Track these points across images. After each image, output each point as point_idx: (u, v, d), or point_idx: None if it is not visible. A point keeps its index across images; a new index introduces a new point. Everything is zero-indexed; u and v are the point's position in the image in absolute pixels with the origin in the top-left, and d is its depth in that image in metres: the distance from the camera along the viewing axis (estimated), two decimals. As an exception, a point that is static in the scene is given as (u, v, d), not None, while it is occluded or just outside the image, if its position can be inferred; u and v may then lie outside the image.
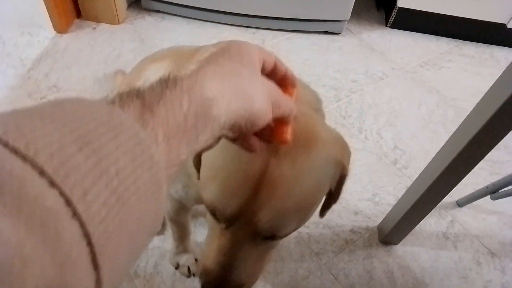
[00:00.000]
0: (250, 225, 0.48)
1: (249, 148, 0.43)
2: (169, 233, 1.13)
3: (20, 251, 0.18)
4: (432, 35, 1.98)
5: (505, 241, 1.23)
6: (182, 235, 1.01)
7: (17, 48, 1.61)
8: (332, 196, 0.58)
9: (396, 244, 1.20)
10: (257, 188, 0.46)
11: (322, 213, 0.64)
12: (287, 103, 0.40)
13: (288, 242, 1.16)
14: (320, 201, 0.54)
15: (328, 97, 1.60)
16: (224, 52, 0.36)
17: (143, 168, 0.25)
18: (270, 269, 1.11)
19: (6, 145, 0.20)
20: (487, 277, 1.15)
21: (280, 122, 0.42)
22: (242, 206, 0.47)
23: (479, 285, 1.13)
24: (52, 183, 0.20)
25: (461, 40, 1.97)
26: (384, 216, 1.21)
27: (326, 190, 0.53)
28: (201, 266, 0.56)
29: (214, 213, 0.50)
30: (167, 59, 0.78)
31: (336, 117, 1.52)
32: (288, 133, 0.43)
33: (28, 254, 0.18)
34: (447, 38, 1.98)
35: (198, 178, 0.56)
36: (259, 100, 0.35)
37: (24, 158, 0.20)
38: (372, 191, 1.32)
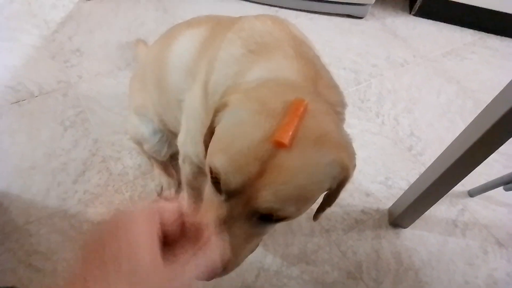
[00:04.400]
0: (249, 202, 0.50)
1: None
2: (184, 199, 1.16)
3: None
4: (456, 26, 1.95)
5: (513, 233, 1.24)
6: (196, 201, 1.04)
7: (42, 10, 1.63)
8: (329, 197, 0.59)
9: (405, 227, 1.22)
10: (264, 168, 0.48)
11: (316, 215, 0.66)
12: None
13: (299, 217, 1.18)
14: (319, 196, 0.55)
15: (347, 80, 1.60)
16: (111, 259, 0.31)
17: None
18: (280, 241, 1.13)
19: None
20: (492, 265, 1.16)
21: None
22: (246, 182, 0.49)
23: (484, 272, 1.15)
24: None
25: (486, 33, 1.94)
26: (395, 199, 1.22)
27: (326, 187, 0.55)
28: None
29: (217, 183, 0.52)
30: (204, 25, 0.78)
31: (354, 100, 1.52)
32: None
33: None
34: (472, 29, 1.95)
35: (205, 156, 0.58)
36: None
37: None
38: (385, 174, 1.33)
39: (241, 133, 0.50)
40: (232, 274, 1.09)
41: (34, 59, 1.45)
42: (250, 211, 0.52)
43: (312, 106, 0.51)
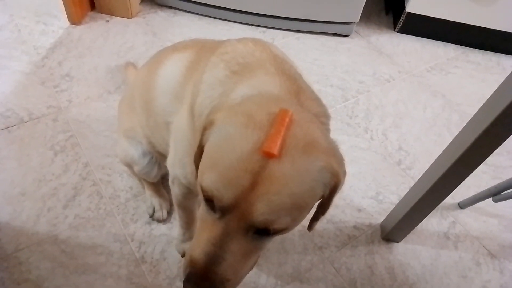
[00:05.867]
0: (244, 217, 0.50)
1: None
2: (176, 221, 1.16)
3: None
4: (439, 41, 2.01)
5: (504, 244, 1.25)
6: (188, 222, 1.04)
7: (32, 36, 1.64)
8: (322, 206, 0.60)
9: (398, 241, 1.22)
10: (255, 181, 0.49)
11: (311, 225, 0.66)
12: None
13: (292, 235, 1.19)
14: (312, 204, 0.56)
15: (335, 97, 1.63)
16: None
17: None
18: (273, 260, 1.13)
19: None
20: (486, 277, 1.17)
21: None
22: (239, 196, 0.49)
23: (478, 284, 1.15)
24: None
25: (468, 47, 1.99)
26: (386, 214, 1.23)
27: (319, 194, 0.55)
28: (188, 258, 0.57)
29: (211, 200, 0.52)
30: (190, 49, 0.80)
31: (342, 116, 1.55)
32: None
33: None
34: (454, 44, 2.00)
35: (196, 176, 0.58)
36: None
37: None
38: (375, 189, 1.34)
39: (229, 148, 0.51)
40: (226, 295, 1.07)
41: (23, 85, 1.45)
42: (246, 226, 0.51)
43: (297, 116, 0.53)
